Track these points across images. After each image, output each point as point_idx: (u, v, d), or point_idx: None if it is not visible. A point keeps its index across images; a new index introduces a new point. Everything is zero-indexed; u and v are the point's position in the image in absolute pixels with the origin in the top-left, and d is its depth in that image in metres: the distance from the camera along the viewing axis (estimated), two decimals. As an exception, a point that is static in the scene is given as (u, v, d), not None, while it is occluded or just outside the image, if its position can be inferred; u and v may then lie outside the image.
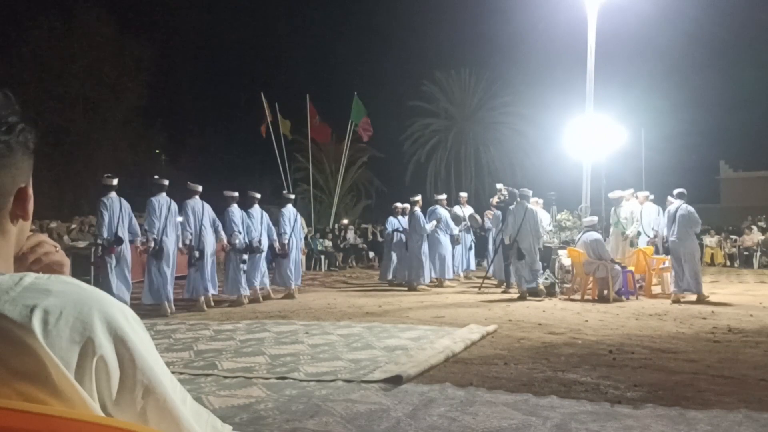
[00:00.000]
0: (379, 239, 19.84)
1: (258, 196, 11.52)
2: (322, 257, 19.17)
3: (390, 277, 13.77)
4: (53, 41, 26.91)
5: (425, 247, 12.80)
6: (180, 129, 34.01)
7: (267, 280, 11.49)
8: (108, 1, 28.38)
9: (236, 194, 10.89)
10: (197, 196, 10.10)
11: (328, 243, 19.89)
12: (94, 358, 0.81)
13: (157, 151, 33.53)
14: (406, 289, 12.71)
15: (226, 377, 5.21)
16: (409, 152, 34.68)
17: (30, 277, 0.90)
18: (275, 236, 11.40)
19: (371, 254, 21.15)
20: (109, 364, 0.82)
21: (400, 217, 13.86)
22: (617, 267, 10.90)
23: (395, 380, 4.98)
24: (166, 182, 9.75)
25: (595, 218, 12.22)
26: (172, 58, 34.06)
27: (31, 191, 1.08)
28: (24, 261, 1.12)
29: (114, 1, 29.33)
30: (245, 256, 10.66)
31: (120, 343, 0.84)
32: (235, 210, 10.76)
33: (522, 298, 10.97)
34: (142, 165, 30.33)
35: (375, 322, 8.17)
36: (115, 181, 9.26)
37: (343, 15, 42.86)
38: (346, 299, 11.20)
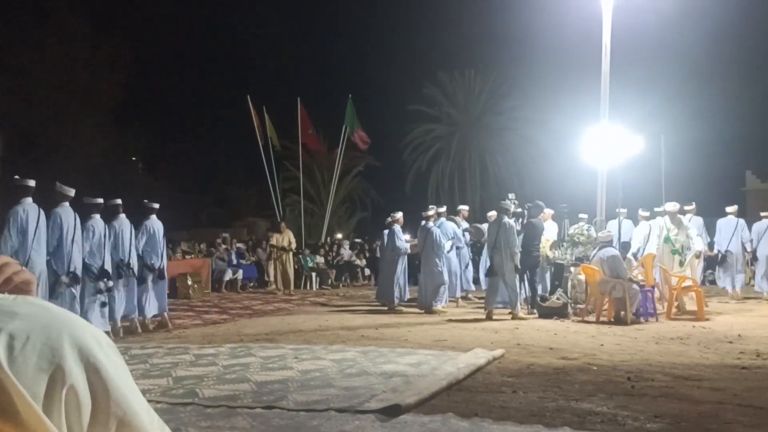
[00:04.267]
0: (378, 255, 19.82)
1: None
2: (313, 275, 19.15)
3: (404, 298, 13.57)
4: (21, 36, 26.89)
5: (441, 265, 12.80)
6: (159, 134, 34.03)
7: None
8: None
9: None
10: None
11: (320, 259, 19.88)
12: (64, 387, 0.80)
13: (134, 158, 33.54)
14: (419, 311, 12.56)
15: (207, 406, 5.18)
16: (408, 160, 34.76)
17: None
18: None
19: (367, 271, 21.14)
20: (80, 394, 0.81)
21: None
22: (635, 286, 10.90)
23: (393, 410, 4.96)
24: (32, 183, 8.55)
25: (612, 233, 12.24)
26: (151, 57, 34.21)
27: None
28: None
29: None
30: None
31: (92, 371, 0.83)
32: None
33: (488, 318, 11.29)
34: (117, 174, 30.34)
35: (371, 346, 8.15)
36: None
37: (337, 11, 43.09)
38: (340, 320, 11.19)
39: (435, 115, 35.29)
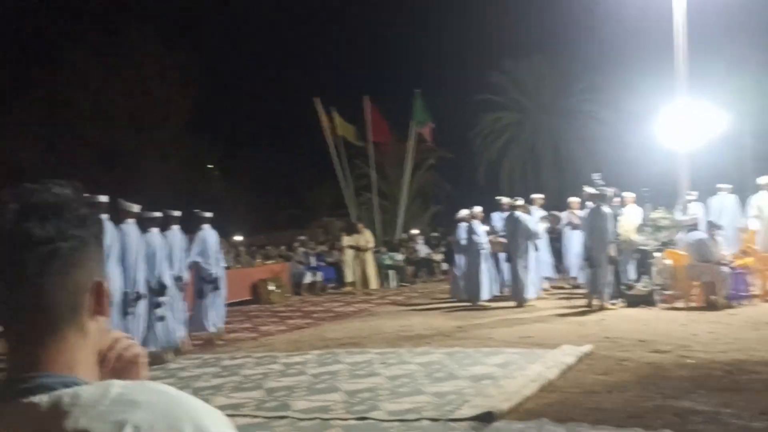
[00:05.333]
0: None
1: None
2: (391, 272, 19.18)
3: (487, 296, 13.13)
4: (97, 59, 27.99)
5: (531, 255, 12.66)
6: (232, 141, 34.74)
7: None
8: (151, 13, 29.31)
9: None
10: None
11: (399, 256, 19.89)
12: None
13: (210, 165, 34.34)
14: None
15: (301, 419, 5.24)
16: (479, 151, 34.39)
17: (117, 387, 0.92)
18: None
19: (444, 266, 21.04)
20: None
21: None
22: (725, 269, 10.50)
23: (486, 417, 4.91)
24: (104, 199, 8.42)
25: (697, 215, 11.83)
26: (219, 67, 34.92)
27: (107, 284, 1.13)
28: (105, 361, 1.15)
29: (157, 13, 30.29)
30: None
31: None
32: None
33: (589, 307, 11.11)
34: (194, 183, 31.19)
35: (456, 347, 8.10)
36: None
37: (396, 6, 42.97)
38: (421, 320, 11.17)
39: (503, 103, 34.80)
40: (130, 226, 8.77)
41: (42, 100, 27.46)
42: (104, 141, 28.82)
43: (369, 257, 17.08)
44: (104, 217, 8.25)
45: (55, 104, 27.51)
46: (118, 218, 8.75)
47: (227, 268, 16.06)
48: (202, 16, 41.06)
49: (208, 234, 10.50)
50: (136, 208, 9.03)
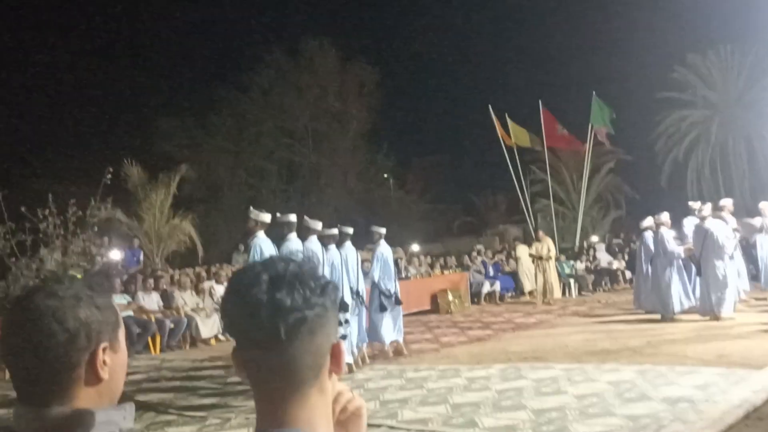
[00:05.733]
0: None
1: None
2: (572, 281, 18.66)
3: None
4: (281, 78, 29.73)
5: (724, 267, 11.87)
6: (405, 150, 35.52)
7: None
8: (329, 30, 30.64)
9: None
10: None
11: (580, 265, 19.33)
12: None
13: (385, 175, 35.21)
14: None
15: (490, 438, 5.23)
16: (662, 151, 32.63)
17: None
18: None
19: (628, 274, 20.14)
20: None
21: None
22: None
23: (687, 446, 4.64)
24: (293, 218, 8.70)
25: None
26: (394, 79, 35.78)
27: (343, 345, 1.20)
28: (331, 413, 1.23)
29: (335, 30, 31.63)
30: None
31: None
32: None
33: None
34: (371, 192, 32.15)
35: (646, 364, 7.72)
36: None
37: (568, 6, 41.85)
38: (607, 333, 10.76)
39: (688, 100, 32.78)
40: (314, 243, 9.03)
41: (231, 118, 29.55)
42: (287, 155, 30.50)
43: (551, 266, 16.71)
44: (293, 235, 8.74)
45: (243, 122, 29.51)
46: (303, 235, 8.92)
47: (407, 278, 16.48)
48: (377, 31, 42.27)
49: (385, 249, 10.58)
50: (318, 225, 9.25)
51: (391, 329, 10.17)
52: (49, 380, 1.22)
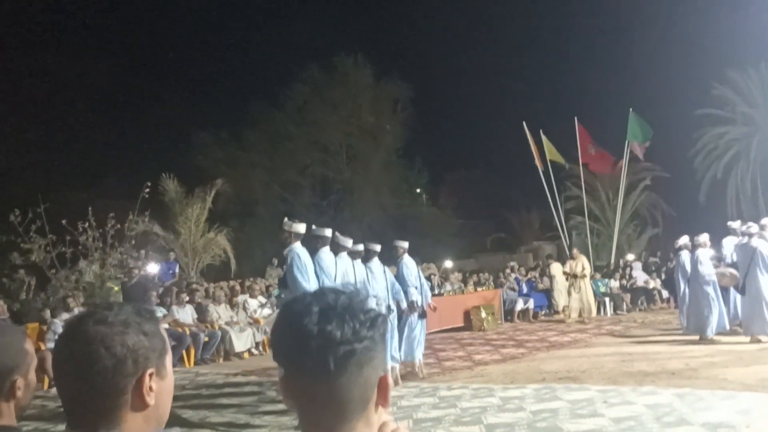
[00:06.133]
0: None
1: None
2: (607, 300, 18.43)
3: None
4: (315, 94, 29.97)
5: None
6: (438, 166, 35.48)
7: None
8: (364, 46, 30.85)
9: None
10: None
11: (614, 283, 19.09)
12: None
13: (418, 190, 35.19)
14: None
15: (524, 460, 5.17)
16: (701, 169, 32.09)
17: None
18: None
19: (665, 293, 19.84)
20: None
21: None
22: None
23: (728, 473, 4.54)
24: (328, 233, 8.67)
25: None
26: (428, 94, 35.84)
27: (390, 378, 1.20)
28: None
29: (369, 46, 31.88)
30: None
31: None
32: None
33: None
34: (403, 208, 32.15)
35: (685, 387, 7.57)
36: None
37: (605, 22, 41.64)
38: (643, 353, 10.59)
39: (728, 116, 32.23)
40: (345, 259, 9.03)
41: (266, 133, 29.84)
42: (320, 170, 30.69)
43: (586, 284, 16.50)
44: (326, 248, 8.74)
45: (277, 137, 29.78)
46: (334, 251, 8.85)
47: (440, 294, 16.42)
48: (411, 47, 42.46)
49: (409, 262, 10.35)
50: (349, 242, 9.24)
51: (418, 346, 9.97)
52: (96, 405, 1.25)
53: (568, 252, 17.81)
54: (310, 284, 7.62)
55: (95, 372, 1.24)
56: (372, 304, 1.18)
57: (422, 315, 10.18)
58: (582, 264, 16.60)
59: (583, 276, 16.49)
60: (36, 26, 34.88)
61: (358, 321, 1.13)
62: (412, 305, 9.96)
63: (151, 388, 1.29)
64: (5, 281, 13.23)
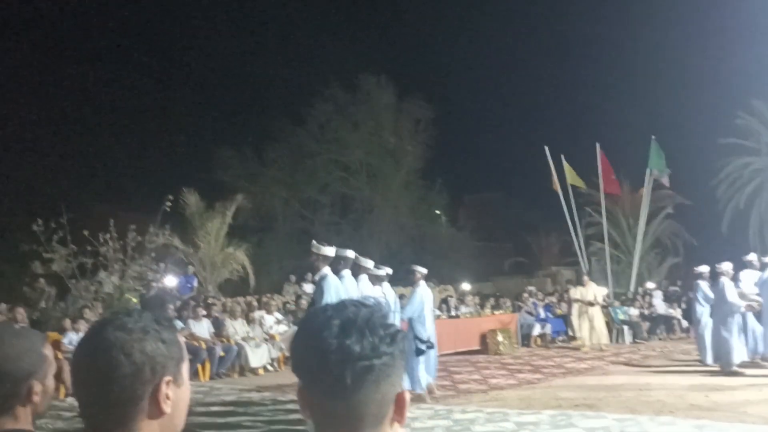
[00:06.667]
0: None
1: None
2: (625, 328, 18.23)
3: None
4: (338, 113, 30.12)
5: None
6: (458, 187, 35.44)
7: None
8: (387, 66, 30.99)
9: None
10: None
11: (633, 311, 18.88)
12: None
13: (438, 211, 35.11)
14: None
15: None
16: (724, 198, 31.75)
17: None
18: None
19: (684, 323, 19.59)
20: None
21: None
22: None
23: None
24: (351, 254, 8.53)
25: None
26: (449, 116, 35.96)
27: (407, 395, 1.19)
28: None
29: (393, 66, 32.07)
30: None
31: None
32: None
33: None
34: (422, 228, 32.08)
35: (704, 419, 7.46)
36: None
37: (631, 50, 41.62)
38: (662, 383, 10.44)
39: (752, 147, 31.93)
40: (365, 282, 8.90)
41: (287, 150, 29.97)
42: (341, 189, 30.75)
43: (597, 312, 16.21)
44: (347, 271, 8.65)
45: (299, 154, 29.90)
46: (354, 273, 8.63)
47: (456, 317, 16.35)
48: (434, 68, 42.66)
49: (425, 291, 10.17)
50: (370, 264, 9.18)
51: (425, 373, 9.71)
52: (113, 412, 1.25)
53: (581, 278, 17.48)
54: None
55: (114, 379, 1.25)
56: (392, 319, 1.17)
57: (431, 346, 9.88)
58: (593, 292, 16.35)
59: (594, 303, 16.21)
60: (65, 38, 35.50)
61: (378, 336, 1.12)
62: (422, 337, 9.68)
63: (167, 396, 1.29)
64: (26, 290, 13.36)
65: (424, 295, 10.11)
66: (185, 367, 1.37)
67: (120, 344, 1.26)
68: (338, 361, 1.10)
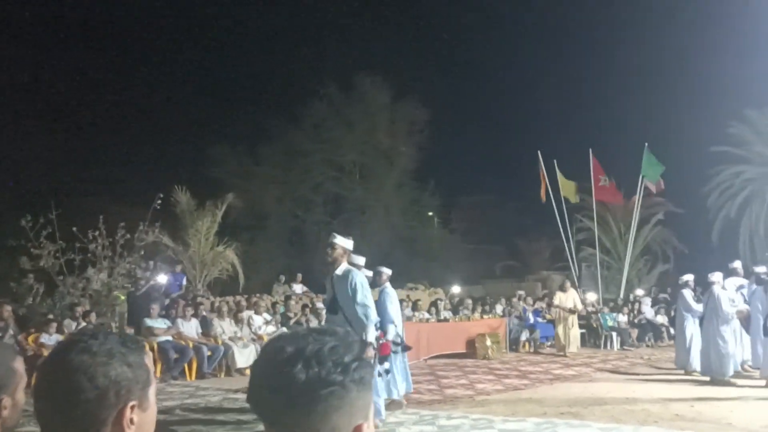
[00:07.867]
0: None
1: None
2: (614, 334, 18.27)
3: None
4: (332, 112, 30.08)
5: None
6: (452, 189, 35.41)
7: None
8: (383, 67, 30.92)
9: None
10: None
11: (622, 318, 18.91)
12: None
13: (430, 213, 35.12)
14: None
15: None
16: (714, 206, 31.87)
17: None
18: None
19: (672, 331, 19.62)
20: None
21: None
22: None
23: None
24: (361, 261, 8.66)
25: None
26: (444, 118, 35.86)
27: (369, 427, 1.17)
28: None
29: (388, 67, 32.00)
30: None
31: None
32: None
33: None
34: (414, 230, 32.08)
35: (688, 430, 7.46)
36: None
37: (626, 57, 41.70)
38: (648, 392, 10.45)
39: (744, 155, 32.08)
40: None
41: (281, 149, 29.92)
42: (333, 188, 30.73)
43: (573, 320, 16.19)
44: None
45: (292, 153, 29.86)
46: None
47: (445, 320, 16.35)
48: (430, 71, 42.58)
49: (391, 291, 9.99)
50: (362, 261, 9.03)
51: (401, 380, 9.46)
52: None
53: (563, 285, 17.23)
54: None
55: (77, 403, 1.23)
56: (353, 348, 1.14)
57: (405, 348, 9.74)
58: (573, 298, 16.35)
59: (575, 311, 16.22)
60: (56, 33, 35.35)
61: (325, 368, 1.10)
62: (397, 339, 9.34)
63: (132, 421, 1.27)
64: (13, 285, 13.29)
65: (391, 294, 9.94)
66: (152, 391, 1.35)
67: (84, 368, 1.24)
68: (279, 387, 1.08)
